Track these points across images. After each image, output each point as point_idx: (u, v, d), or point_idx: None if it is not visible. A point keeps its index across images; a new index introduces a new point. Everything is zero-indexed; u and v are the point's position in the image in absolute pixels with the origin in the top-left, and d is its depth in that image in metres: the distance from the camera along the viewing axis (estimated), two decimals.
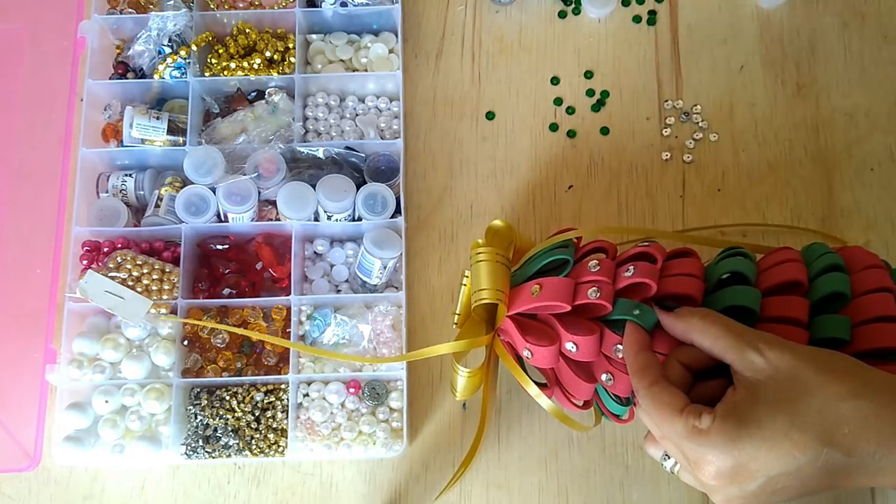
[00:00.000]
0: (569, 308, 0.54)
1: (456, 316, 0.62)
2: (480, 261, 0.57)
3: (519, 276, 0.59)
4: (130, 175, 0.74)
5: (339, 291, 0.73)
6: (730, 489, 0.45)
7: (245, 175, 0.71)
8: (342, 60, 0.78)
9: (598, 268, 0.55)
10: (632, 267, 0.53)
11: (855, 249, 0.57)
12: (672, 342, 0.52)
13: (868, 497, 0.66)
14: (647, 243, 0.57)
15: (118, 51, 0.79)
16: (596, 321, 0.55)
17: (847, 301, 0.53)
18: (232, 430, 0.67)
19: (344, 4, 0.77)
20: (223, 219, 0.72)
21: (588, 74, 0.78)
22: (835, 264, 0.54)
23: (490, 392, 0.63)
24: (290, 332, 0.69)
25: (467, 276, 0.60)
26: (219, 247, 0.72)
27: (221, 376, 0.69)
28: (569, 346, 0.54)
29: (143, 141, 0.74)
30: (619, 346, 0.53)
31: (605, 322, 0.55)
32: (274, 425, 0.68)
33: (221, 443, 0.67)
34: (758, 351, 0.45)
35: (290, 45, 0.77)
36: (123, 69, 0.77)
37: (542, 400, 0.59)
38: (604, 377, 0.55)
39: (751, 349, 0.45)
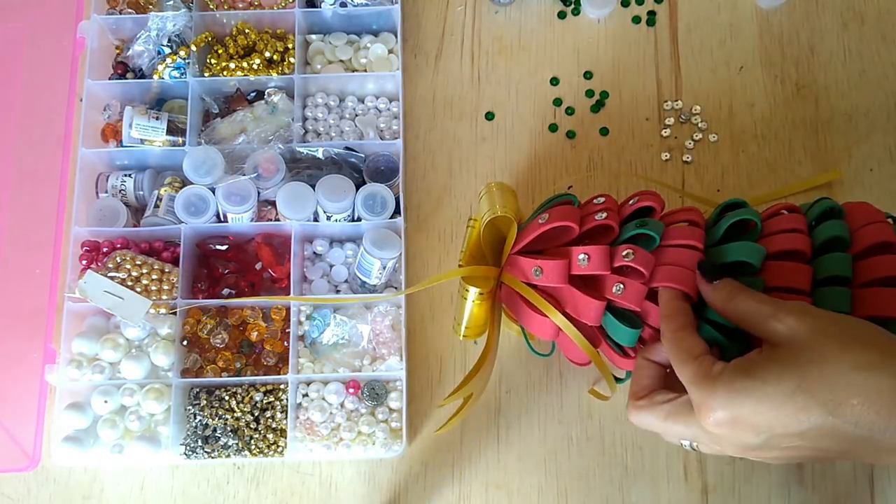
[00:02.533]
0: (577, 229, 0.55)
1: (461, 266, 0.61)
2: (494, 190, 0.60)
3: (524, 226, 0.59)
4: (130, 175, 0.74)
5: (338, 292, 0.73)
6: (737, 439, 0.46)
7: (244, 175, 0.71)
8: (342, 61, 0.78)
9: (603, 201, 0.57)
10: (630, 251, 0.54)
11: (859, 204, 0.57)
12: None
13: (867, 496, 0.66)
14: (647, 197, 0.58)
15: (118, 51, 0.79)
16: None
17: (847, 246, 0.54)
18: (231, 431, 0.67)
19: (343, 5, 0.77)
20: (223, 219, 0.72)
21: (587, 75, 0.78)
22: (832, 208, 0.55)
23: (494, 329, 0.62)
24: (289, 332, 0.69)
25: (473, 219, 0.60)
26: (218, 247, 0.72)
27: (221, 376, 0.69)
28: (580, 258, 0.55)
29: (142, 141, 0.74)
30: (630, 252, 0.53)
31: None
32: (273, 425, 0.68)
33: (221, 443, 0.67)
34: (779, 320, 0.46)
35: (290, 46, 0.77)
36: (123, 69, 0.78)
37: (571, 330, 0.57)
38: (615, 289, 0.55)
39: (774, 319, 0.46)
